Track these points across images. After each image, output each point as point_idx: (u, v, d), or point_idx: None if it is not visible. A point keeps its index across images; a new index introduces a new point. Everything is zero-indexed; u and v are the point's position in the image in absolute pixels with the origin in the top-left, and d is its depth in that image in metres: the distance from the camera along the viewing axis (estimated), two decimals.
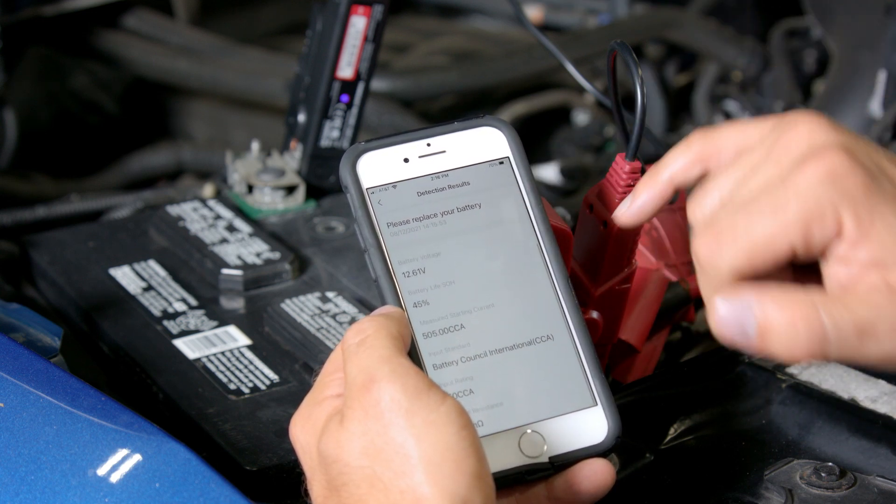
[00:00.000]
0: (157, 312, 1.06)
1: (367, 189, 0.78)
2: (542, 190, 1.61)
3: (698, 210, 0.73)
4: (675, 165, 0.77)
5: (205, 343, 1.02)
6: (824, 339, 0.66)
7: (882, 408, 0.89)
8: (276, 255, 1.12)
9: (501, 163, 0.80)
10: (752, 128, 0.74)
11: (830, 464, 0.84)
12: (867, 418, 0.89)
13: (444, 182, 0.79)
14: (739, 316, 0.68)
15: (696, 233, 0.72)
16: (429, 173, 0.79)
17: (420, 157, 0.79)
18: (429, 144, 0.79)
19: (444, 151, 0.79)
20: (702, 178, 0.76)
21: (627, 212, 0.80)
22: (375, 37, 1.21)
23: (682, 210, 1.10)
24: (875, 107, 1.49)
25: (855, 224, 0.67)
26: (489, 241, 0.79)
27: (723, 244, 0.69)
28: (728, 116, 1.81)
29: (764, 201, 0.68)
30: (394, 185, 0.78)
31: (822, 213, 0.67)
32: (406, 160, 0.79)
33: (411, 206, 0.78)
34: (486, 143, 0.80)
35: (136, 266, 1.13)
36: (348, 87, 1.23)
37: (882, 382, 0.91)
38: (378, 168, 0.78)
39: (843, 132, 0.70)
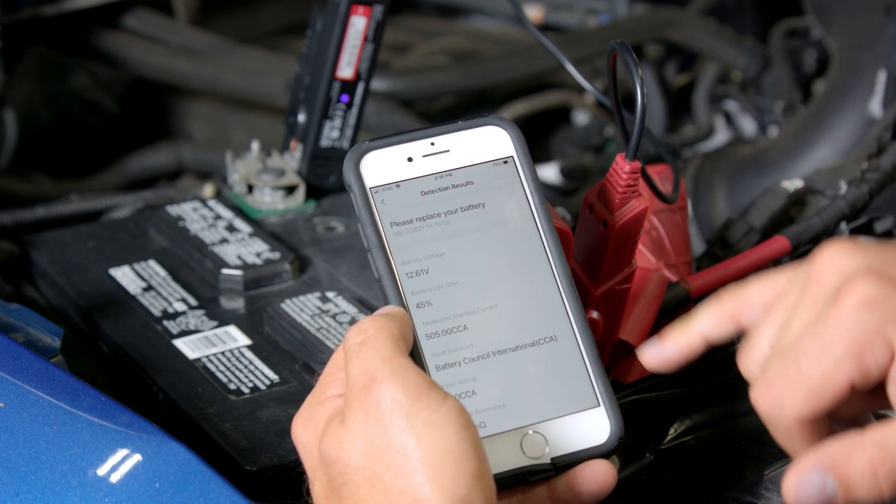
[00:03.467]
0: (157, 312, 1.06)
1: (370, 188, 0.78)
2: (543, 189, 1.61)
3: (750, 363, 0.73)
4: (706, 322, 0.77)
5: (205, 343, 1.02)
6: None
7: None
8: (276, 255, 1.12)
9: (506, 162, 0.80)
10: (778, 277, 0.75)
11: None
12: None
13: (447, 181, 0.79)
14: (815, 488, 0.67)
15: (752, 386, 0.72)
16: (432, 173, 0.79)
17: (424, 156, 0.79)
18: (432, 144, 0.79)
19: (447, 151, 0.79)
20: (733, 335, 0.77)
21: (655, 357, 0.79)
22: (375, 37, 1.21)
23: (683, 210, 1.10)
24: (875, 107, 1.49)
25: None
26: (493, 241, 0.78)
27: (780, 394, 0.69)
28: (728, 116, 1.81)
29: (809, 344, 0.68)
30: (397, 184, 0.78)
31: (871, 341, 0.67)
32: (410, 159, 0.79)
33: (415, 206, 0.78)
34: (491, 142, 0.80)
35: (136, 266, 1.13)
36: (348, 87, 1.23)
37: None
38: (382, 167, 0.78)
39: (867, 252, 0.70)
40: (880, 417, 0.72)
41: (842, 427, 0.72)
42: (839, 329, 0.68)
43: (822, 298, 0.70)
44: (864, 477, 0.66)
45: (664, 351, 0.78)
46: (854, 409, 0.71)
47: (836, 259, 0.71)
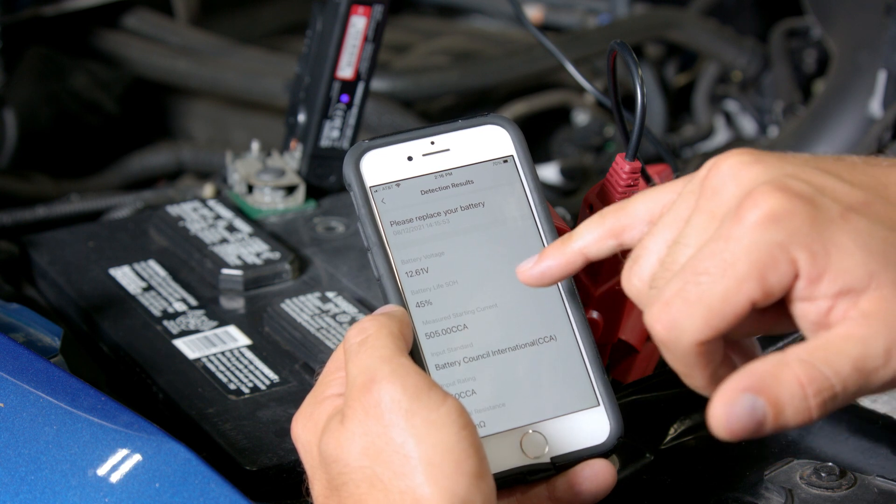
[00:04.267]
0: (157, 312, 1.06)
1: (370, 187, 0.78)
2: (543, 188, 1.61)
3: (636, 280, 0.70)
4: (586, 237, 0.73)
5: (205, 343, 1.02)
6: (832, 391, 0.63)
7: (882, 408, 0.89)
8: (276, 255, 1.12)
9: (505, 161, 0.80)
10: (665, 189, 0.71)
11: (830, 464, 0.84)
12: (867, 418, 0.89)
13: (447, 180, 0.79)
14: (746, 413, 0.64)
15: (643, 307, 0.68)
16: (432, 171, 0.79)
17: (424, 155, 0.79)
18: (433, 142, 0.79)
19: (447, 150, 0.79)
20: (614, 251, 0.73)
21: (529, 272, 0.75)
22: (375, 37, 1.21)
23: None
24: (875, 107, 1.49)
25: (810, 261, 0.63)
26: (493, 240, 0.78)
27: (678, 317, 0.65)
28: (728, 116, 1.81)
29: (709, 262, 0.64)
30: (397, 183, 0.78)
31: (774, 259, 0.63)
32: (410, 158, 0.79)
33: (415, 205, 0.78)
34: (491, 141, 0.80)
35: (136, 266, 1.13)
36: (348, 87, 1.23)
37: None
38: (381, 166, 0.78)
39: (767, 162, 0.66)
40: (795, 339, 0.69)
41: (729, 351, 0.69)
42: (741, 245, 0.63)
43: (720, 212, 0.66)
44: (793, 396, 0.62)
45: (539, 266, 0.74)
46: (745, 330, 0.68)
47: (735, 169, 0.66)
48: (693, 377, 0.68)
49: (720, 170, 0.67)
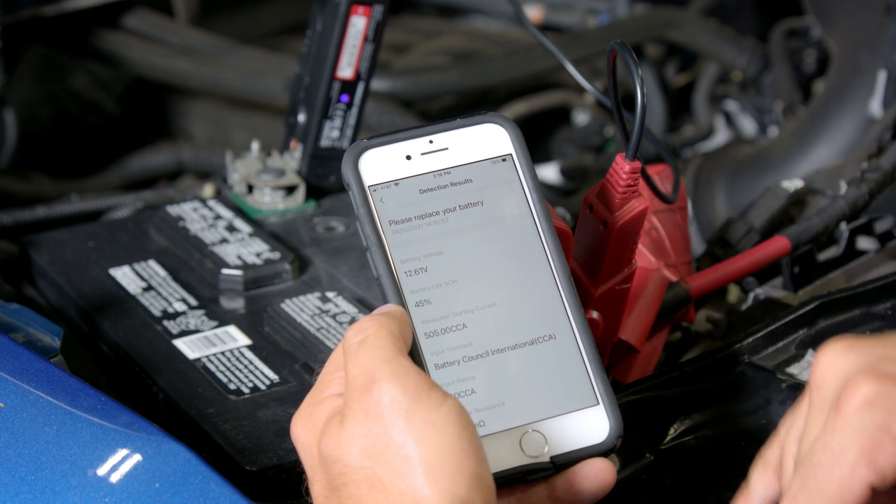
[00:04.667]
0: (157, 312, 1.06)
1: (369, 186, 0.78)
2: (542, 187, 1.61)
3: (783, 483, 0.72)
4: (763, 487, 0.74)
5: (205, 343, 1.02)
6: None
7: None
8: (276, 255, 1.12)
9: (504, 160, 0.80)
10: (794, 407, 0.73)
11: None
12: None
13: (446, 179, 0.79)
14: None
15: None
16: (431, 171, 0.79)
17: (422, 154, 0.79)
18: (431, 141, 0.79)
19: (446, 149, 0.79)
20: None
21: None
22: (375, 37, 1.21)
23: (683, 210, 1.10)
24: (875, 107, 1.49)
25: None
26: (491, 239, 0.78)
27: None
28: (728, 116, 1.81)
29: (821, 454, 0.67)
30: (396, 182, 0.78)
31: (879, 440, 0.66)
32: (408, 157, 0.79)
33: (413, 204, 0.78)
34: (489, 140, 0.80)
35: (136, 266, 1.13)
36: (348, 87, 1.23)
37: None
38: (380, 165, 0.78)
39: (861, 349, 0.70)
40: None
41: None
42: (846, 434, 0.67)
43: (825, 405, 0.69)
44: None
45: None
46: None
47: (832, 362, 0.70)
48: None
49: (820, 363, 0.70)
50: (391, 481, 0.68)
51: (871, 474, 0.66)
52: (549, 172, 1.66)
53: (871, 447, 0.66)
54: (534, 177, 0.80)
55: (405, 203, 0.78)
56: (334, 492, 0.70)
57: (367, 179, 0.78)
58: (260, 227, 1.18)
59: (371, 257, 0.77)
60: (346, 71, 1.22)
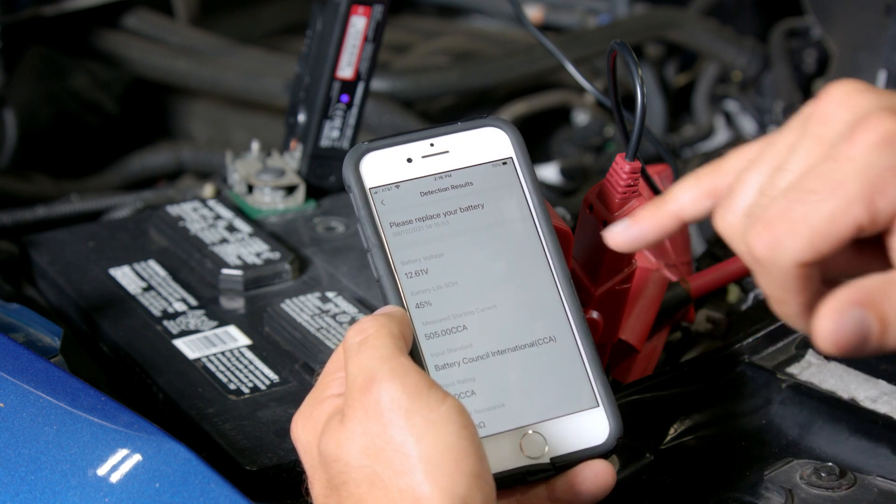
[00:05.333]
0: (157, 312, 1.06)
1: (370, 189, 0.78)
2: (542, 190, 1.61)
3: (730, 216, 0.67)
4: (683, 198, 0.71)
5: (205, 343, 1.02)
6: None
7: (882, 408, 0.89)
8: (276, 255, 1.12)
9: (505, 163, 0.80)
10: (761, 140, 0.70)
11: (830, 464, 0.84)
12: (867, 418, 0.89)
13: (447, 182, 0.79)
14: (854, 326, 0.62)
15: (737, 240, 0.67)
16: (432, 173, 0.79)
17: (423, 157, 0.79)
18: (432, 144, 0.79)
19: (447, 152, 0.79)
20: (710, 211, 0.71)
21: (622, 234, 0.74)
22: (375, 37, 1.21)
23: None
24: None
25: None
26: (492, 241, 0.78)
27: (781, 236, 0.64)
28: (728, 116, 1.81)
29: (817, 182, 0.63)
30: (397, 185, 0.78)
31: (885, 182, 0.62)
32: (409, 160, 0.79)
33: (414, 207, 0.78)
34: (490, 143, 0.80)
35: (136, 266, 1.13)
36: (348, 87, 1.23)
37: (882, 382, 0.91)
38: (381, 168, 0.78)
39: (880, 93, 0.66)
40: None
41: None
42: (853, 166, 0.62)
43: (830, 136, 0.64)
44: None
45: (633, 228, 0.73)
46: (841, 265, 0.66)
47: (848, 96, 0.65)
48: (787, 303, 0.66)
49: (831, 97, 0.66)
50: (391, 479, 0.68)
51: (864, 213, 0.62)
52: (549, 172, 1.66)
53: (875, 185, 0.62)
54: (534, 180, 0.80)
55: (406, 205, 0.78)
56: (334, 491, 0.70)
57: (369, 182, 0.78)
58: (260, 227, 1.18)
59: (372, 259, 0.77)
60: (346, 71, 1.22)
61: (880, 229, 0.63)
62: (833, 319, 0.62)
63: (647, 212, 0.73)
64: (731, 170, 0.70)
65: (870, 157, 0.62)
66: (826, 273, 0.66)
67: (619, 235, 0.74)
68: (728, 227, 0.68)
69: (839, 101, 0.66)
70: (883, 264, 0.65)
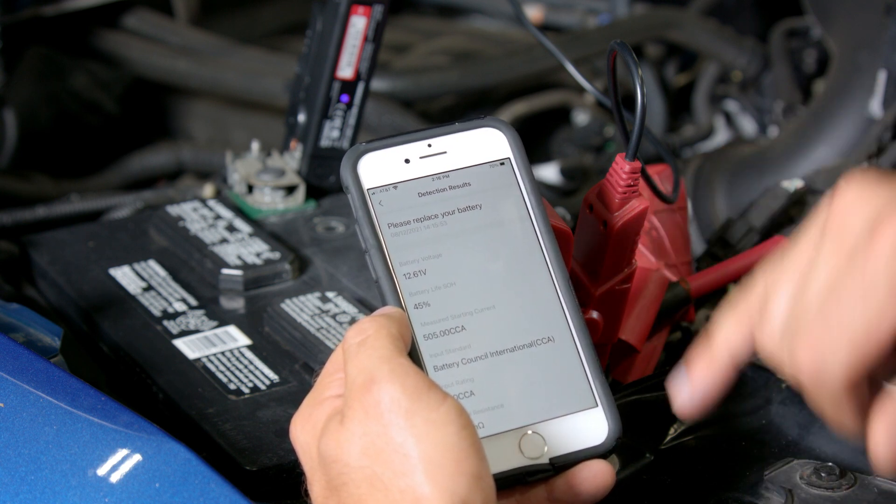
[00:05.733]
0: (157, 312, 1.06)
1: (368, 190, 0.78)
2: (541, 190, 1.61)
3: (769, 341, 0.68)
4: (730, 336, 0.71)
5: (205, 343, 1.02)
6: None
7: None
8: (276, 255, 1.12)
9: (502, 164, 0.80)
10: (782, 254, 0.69)
11: (830, 464, 0.84)
12: None
13: (444, 183, 0.79)
14: None
15: (787, 352, 0.67)
16: (430, 174, 0.79)
17: (421, 157, 0.79)
18: (430, 145, 0.79)
19: (444, 152, 0.79)
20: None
21: (690, 402, 0.73)
22: (375, 37, 1.21)
23: (683, 210, 1.10)
24: (875, 107, 1.49)
25: None
26: (490, 242, 0.78)
27: (825, 348, 0.64)
28: (728, 116, 1.81)
29: (847, 293, 0.64)
30: (395, 185, 0.78)
31: None
32: (407, 161, 0.79)
33: (412, 207, 0.78)
34: (487, 143, 0.80)
35: (136, 266, 1.13)
36: (348, 87, 1.23)
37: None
38: (379, 169, 0.78)
39: (887, 187, 0.66)
40: None
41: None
42: (878, 271, 0.63)
43: (848, 246, 0.65)
44: None
45: (696, 391, 0.72)
46: (890, 368, 0.67)
47: (857, 201, 0.66)
48: (842, 415, 0.67)
49: (841, 204, 0.66)
50: (391, 480, 0.68)
51: None
52: (549, 172, 1.66)
53: None
54: (532, 180, 0.80)
55: (404, 206, 0.78)
56: (334, 492, 0.70)
57: (366, 183, 0.78)
58: (260, 227, 1.18)
59: (370, 260, 0.77)
60: (346, 71, 1.22)
61: None
62: (889, 444, 0.65)
63: (701, 365, 0.72)
64: (760, 290, 0.70)
65: (893, 263, 0.63)
66: (880, 374, 0.67)
67: (686, 406, 0.73)
68: (773, 350, 0.68)
69: (850, 207, 0.66)
70: None
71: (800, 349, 0.65)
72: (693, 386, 0.73)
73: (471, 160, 0.80)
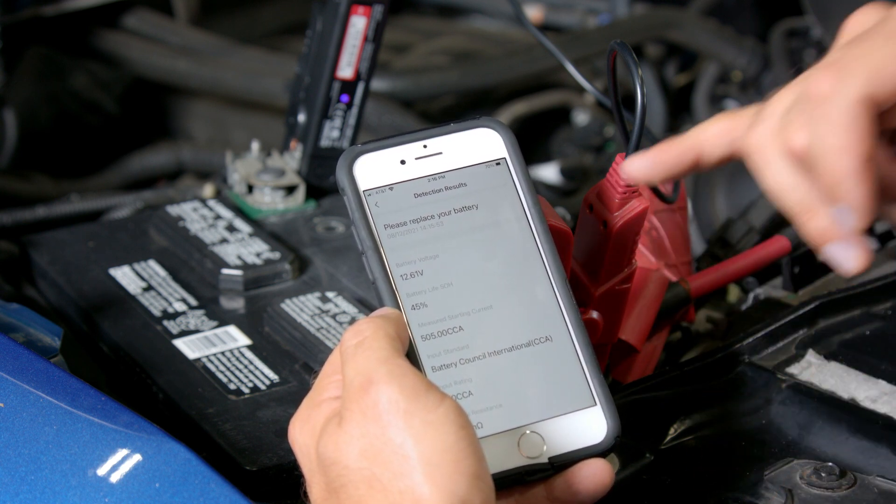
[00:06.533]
0: (157, 312, 1.06)
1: (363, 191, 0.78)
2: (541, 190, 1.61)
3: (761, 124, 0.70)
4: (703, 133, 0.73)
5: (205, 343, 1.02)
6: None
7: (882, 408, 0.89)
8: (276, 255, 1.12)
9: (498, 164, 0.80)
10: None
11: (830, 464, 0.84)
12: (867, 418, 0.89)
13: (440, 183, 0.79)
14: None
15: (781, 128, 0.68)
16: (425, 175, 0.79)
17: (417, 158, 0.79)
18: (425, 146, 0.79)
19: (440, 153, 0.79)
20: (726, 159, 0.73)
21: (642, 163, 0.75)
22: (375, 37, 1.21)
23: (682, 210, 1.10)
24: None
25: None
26: (486, 242, 0.78)
27: (846, 71, 0.66)
28: None
29: (873, 35, 0.66)
30: (390, 186, 0.78)
31: None
32: (403, 162, 0.79)
33: (408, 208, 0.78)
34: (483, 144, 0.80)
35: (136, 266, 1.13)
36: (348, 87, 1.23)
37: (882, 382, 0.91)
38: (375, 170, 0.78)
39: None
40: None
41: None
42: None
43: (875, 22, 0.68)
44: None
45: (650, 158, 0.74)
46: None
47: (874, 7, 0.69)
48: (850, 148, 0.66)
49: (859, 12, 0.70)
50: (390, 481, 0.68)
51: None
52: (549, 172, 1.66)
53: None
54: (528, 180, 0.80)
55: (400, 207, 0.78)
56: (333, 494, 0.70)
57: (362, 184, 0.78)
58: (260, 227, 1.18)
59: (367, 261, 0.77)
60: (346, 71, 1.22)
61: None
62: None
63: (668, 144, 0.74)
64: (752, 109, 0.72)
65: None
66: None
67: (634, 165, 0.75)
68: (759, 133, 0.69)
69: (858, 18, 0.70)
70: None
71: (821, 69, 0.66)
72: (650, 152, 0.75)
73: (466, 161, 0.80)
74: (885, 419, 0.88)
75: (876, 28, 0.67)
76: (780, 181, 0.69)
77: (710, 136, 0.74)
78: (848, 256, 0.68)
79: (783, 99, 0.70)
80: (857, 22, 0.69)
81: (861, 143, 0.65)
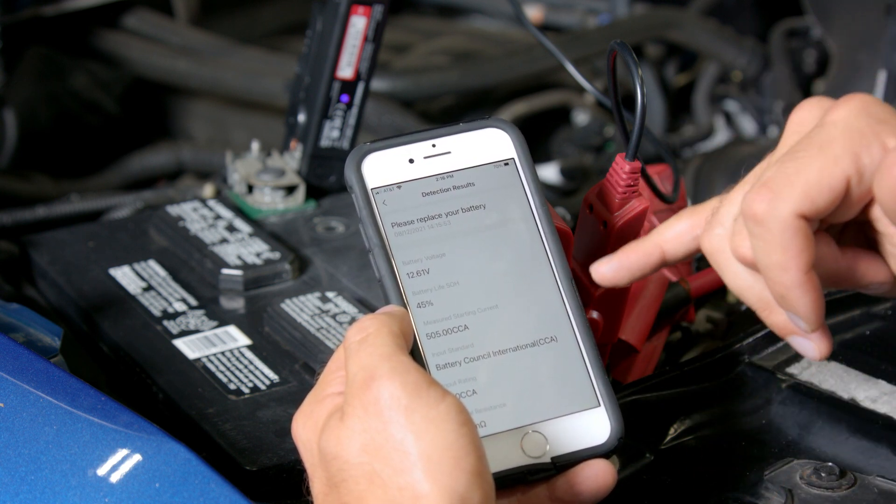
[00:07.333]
0: (157, 312, 1.06)
1: (371, 189, 0.78)
2: (544, 191, 1.61)
3: (717, 227, 0.73)
4: (666, 232, 0.76)
5: (205, 343, 1.02)
6: None
7: (882, 408, 0.89)
8: (276, 255, 1.12)
9: (506, 164, 0.80)
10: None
11: (830, 464, 0.84)
12: (867, 418, 0.89)
13: (448, 183, 0.79)
14: None
15: (733, 234, 0.71)
16: (434, 174, 0.79)
17: (425, 157, 0.79)
18: (434, 145, 0.79)
19: (449, 152, 0.79)
20: (691, 255, 0.76)
21: (607, 269, 0.78)
22: (375, 37, 1.22)
23: None
24: None
25: None
26: (494, 242, 0.79)
27: (779, 191, 0.68)
28: (728, 116, 1.81)
29: (806, 147, 0.69)
30: (398, 185, 0.78)
31: (866, 138, 0.68)
32: (411, 161, 0.79)
33: (416, 207, 0.78)
34: (491, 144, 0.80)
35: (136, 266, 1.13)
36: (348, 87, 1.23)
37: (882, 382, 0.91)
38: (383, 168, 0.78)
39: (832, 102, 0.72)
40: None
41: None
42: (836, 128, 0.69)
43: (810, 125, 0.71)
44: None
45: (615, 262, 0.77)
46: (842, 216, 0.71)
47: (815, 103, 0.72)
48: (788, 265, 0.69)
49: (801, 109, 0.73)
50: (390, 477, 0.68)
51: (852, 168, 0.68)
52: (549, 172, 1.66)
53: (858, 143, 0.68)
54: (536, 181, 0.80)
55: (408, 206, 0.78)
56: (334, 488, 0.70)
57: (370, 182, 0.78)
58: (260, 227, 1.18)
59: (373, 259, 0.77)
60: (346, 71, 1.22)
61: (866, 185, 0.69)
62: None
63: (632, 247, 0.77)
64: (714, 203, 0.74)
65: (850, 120, 0.69)
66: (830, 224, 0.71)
67: (602, 272, 0.78)
68: (714, 237, 0.73)
69: (808, 108, 0.73)
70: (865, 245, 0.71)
71: (758, 188, 0.69)
72: (615, 256, 0.78)
73: (475, 160, 0.80)
74: (885, 419, 0.88)
75: (810, 138, 0.70)
76: (738, 282, 0.73)
77: (671, 237, 0.77)
78: (808, 348, 0.73)
79: (735, 200, 0.73)
80: (800, 120, 0.72)
81: (799, 258, 0.69)
